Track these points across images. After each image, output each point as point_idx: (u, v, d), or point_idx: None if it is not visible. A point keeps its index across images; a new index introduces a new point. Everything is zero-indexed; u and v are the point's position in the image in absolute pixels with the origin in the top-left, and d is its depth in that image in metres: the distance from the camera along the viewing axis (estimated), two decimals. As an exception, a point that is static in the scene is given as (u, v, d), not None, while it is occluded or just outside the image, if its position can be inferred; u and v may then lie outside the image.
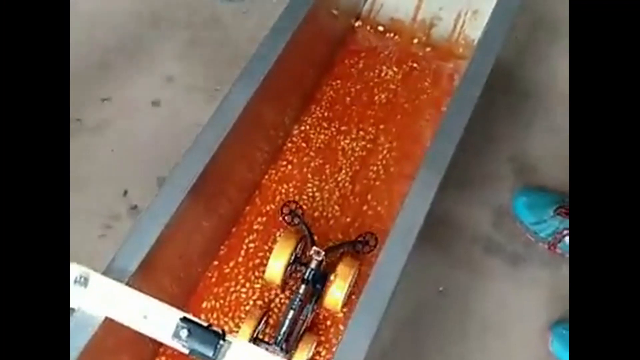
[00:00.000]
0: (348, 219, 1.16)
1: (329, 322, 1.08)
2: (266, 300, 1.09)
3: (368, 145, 1.25)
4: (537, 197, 1.25)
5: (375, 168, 1.22)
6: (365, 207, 1.17)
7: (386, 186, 1.20)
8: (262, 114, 1.16)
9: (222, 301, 1.08)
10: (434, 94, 1.31)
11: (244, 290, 1.08)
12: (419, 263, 0.90)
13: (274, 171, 1.22)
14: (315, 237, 1.08)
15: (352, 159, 1.23)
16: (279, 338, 0.98)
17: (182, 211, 0.96)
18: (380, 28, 1.38)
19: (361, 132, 1.26)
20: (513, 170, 1.32)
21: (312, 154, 1.23)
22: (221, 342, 0.71)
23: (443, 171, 0.99)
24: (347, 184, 1.20)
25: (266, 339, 1.01)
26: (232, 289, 1.09)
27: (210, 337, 0.71)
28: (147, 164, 1.29)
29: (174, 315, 0.77)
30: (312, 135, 1.25)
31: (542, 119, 1.37)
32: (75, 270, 0.82)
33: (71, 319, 0.81)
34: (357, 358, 0.83)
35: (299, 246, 1.05)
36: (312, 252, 1.03)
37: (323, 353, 1.05)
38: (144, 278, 0.92)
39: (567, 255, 1.21)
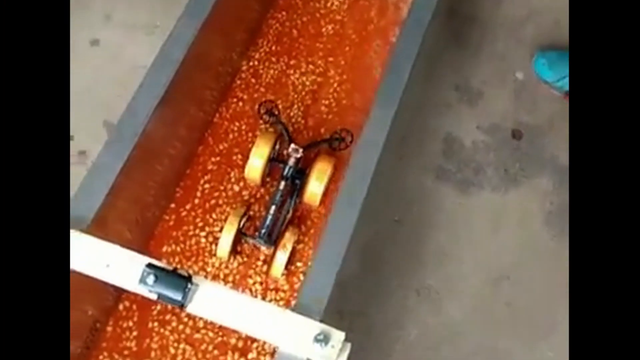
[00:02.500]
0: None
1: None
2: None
3: (318, 79, 1.24)
4: (555, 57, 1.33)
5: (327, 102, 1.22)
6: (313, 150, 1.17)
7: (339, 119, 1.20)
8: (209, 51, 1.12)
9: (182, 245, 1.07)
10: (380, 24, 1.29)
11: (203, 234, 1.08)
12: (372, 195, 0.92)
13: (224, 109, 1.20)
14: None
15: (303, 93, 1.22)
16: (263, 231, 1.03)
17: (133, 157, 0.94)
18: (324, -43, 1.34)
19: (311, 66, 1.25)
20: (459, 97, 1.34)
21: (262, 89, 1.22)
22: (189, 285, 0.72)
23: (397, 103, 1.01)
24: (299, 119, 1.20)
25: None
26: (190, 233, 1.08)
27: (177, 282, 0.71)
28: (91, 108, 1.25)
29: (139, 261, 0.76)
30: (261, 71, 1.23)
31: (487, 44, 1.39)
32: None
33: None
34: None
35: (276, 145, 1.09)
36: (290, 149, 1.07)
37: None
38: (101, 226, 0.91)
39: None
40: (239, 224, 1.04)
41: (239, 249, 1.08)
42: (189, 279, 0.75)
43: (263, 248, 1.07)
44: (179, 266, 1.05)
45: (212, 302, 0.77)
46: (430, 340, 1.11)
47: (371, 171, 0.95)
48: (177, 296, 0.71)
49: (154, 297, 0.74)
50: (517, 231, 1.22)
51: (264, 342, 1.00)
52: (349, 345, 0.78)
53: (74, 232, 0.80)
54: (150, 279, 0.71)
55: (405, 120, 1.25)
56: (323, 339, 0.76)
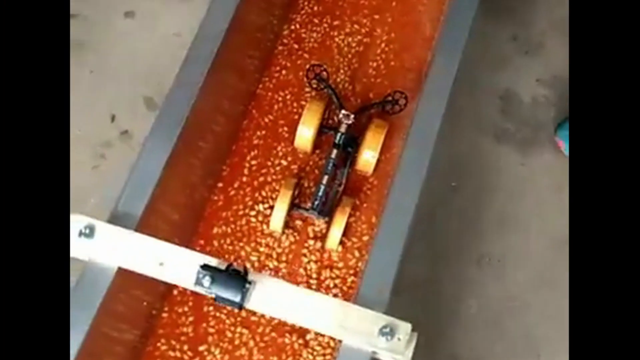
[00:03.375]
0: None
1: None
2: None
3: (364, 40, 1.16)
4: None
5: (374, 64, 1.14)
6: (364, 115, 1.11)
7: (389, 82, 1.13)
8: (248, 17, 1.06)
9: (232, 226, 1.04)
10: (428, -26, 1.20)
11: (253, 213, 1.04)
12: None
13: (267, 79, 1.14)
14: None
15: (350, 56, 1.15)
16: (316, 203, 0.99)
17: (179, 141, 0.91)
18: None
19: (355, 26, 1.17)
20: (517, 48, 1.25)
21: (305, 55, 1.15)
22: (247, 285, 0.68)
23: (457, 61, 0.95)
24: (346, 85, 1.13)
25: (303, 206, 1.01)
26: (240, 212, 1.05)
27: (234, 282, 0.68)
28: (130, 83, 1.21)
29: (192, 260, 0.73)
30: (303, 35, 1.16)
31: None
32: (78, 221, 0.77)
33: (84, 272, 0.78)
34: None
35: (326, 111, 1.04)
36: (341, 115, 1.02)
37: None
38: (152, 217, 0.88)
39: None
40: (292, 196, 1.00)
41: (290, 224, 1.04)
42: (245, 275, 0.72)
43: (316, 221, 1.03)
44: (230, 248, 1.04)
45: (272, 298, 0.74)
46: (491, 312, 1.07)
47: (433, 140, 0.90)
48: (236, 297, 0.68)
49: (211, 295, 0.71)
50: (582, 191, 1.15)
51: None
52: (415, 335, 0.74)
53: (125, 231, 0.78)
54: (207, 281, 0.68)
55: (458, 77, 1.18)
56: (389, 332, 0.72)
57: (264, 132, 1.10)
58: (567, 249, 1.11)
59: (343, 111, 1.02)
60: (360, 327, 0.73)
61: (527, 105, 1.20)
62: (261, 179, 1.07)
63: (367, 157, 1.02)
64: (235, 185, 1.07)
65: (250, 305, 0.73)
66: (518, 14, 1.26)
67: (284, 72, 1.14)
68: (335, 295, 1.00)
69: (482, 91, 1.21)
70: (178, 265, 0.73)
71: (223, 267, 0.73)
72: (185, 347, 0.98)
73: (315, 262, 1.03)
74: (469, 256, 1.10)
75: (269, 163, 1.08)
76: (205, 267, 0.69)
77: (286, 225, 1.03)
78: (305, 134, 1.03)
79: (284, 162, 1.08)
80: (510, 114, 1.19)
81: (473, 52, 1.21)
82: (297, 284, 1.01)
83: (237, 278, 0.68)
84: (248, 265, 1.02)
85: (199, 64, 0.93)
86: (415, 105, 0.97)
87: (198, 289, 0.70)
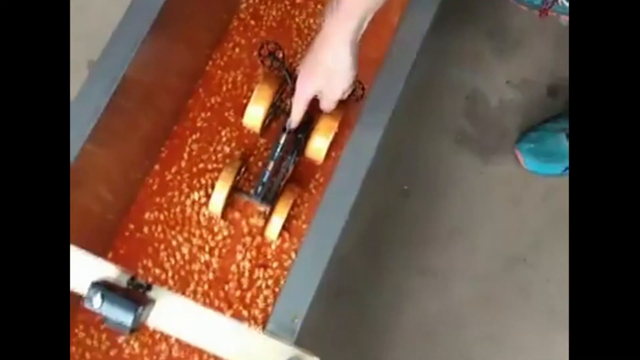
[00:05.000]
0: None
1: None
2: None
3: (328, 22, 1.08)
4: None
5: (336, 50, 1.06)
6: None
7: (348, 72, 1.05)
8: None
9: (166, 213, 0.98)
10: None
11: (188, 202, 0.98)
12: (378, 159, 0.81)
13: (219, 55, 1.06)
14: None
15: (309, 39, 1.07)
16: (260, 188, 0.94)
17: (115, 106, 0.84)
18: None
19: (319, 6, 1.08)
20: (492, 46, 1.16)
21: (262, 33, 1.07)
22: (139, 309, 0.63)
23: (413, 58, 0.88)
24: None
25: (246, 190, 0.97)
26: (175, 200, 0.99)
27: (126, 304, 0.62)
28: (72, 43, 1.12)
29: (91, 269, 0.67)
30: (262, 11, 1.08)
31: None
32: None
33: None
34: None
35: (279, 92, 0.97)
36: (293, 99, 0.94)
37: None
38: (76, 186, 0.82)
39: (563, 17, 1.12)
40: (235, 179, 0.94)
41: (229, 215, 0.98)
42: (147, 291, 0.66)
43: (255, 218, 0.98)
44: (162, 235, 0.98)
45: (175, 317, 0.68)
46: (430, 326, 1.03)
47: (375, 145, 0.84)
48: (127, 321, 0.62)
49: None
50: (540, 208, 1.09)
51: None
52: (325, 369, 0.69)
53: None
54: (97, 300, 0.62)
55: (424, 70, 1.10)
56: (295, 365, 0.67)
57: (209, 114, 1.03)
58: (516, 268, 1.06)
59: None
60: (266, 357, 0.68)
61: (493, 109, 1.13)
62: (201, 165, 1.01)
63: (318, 144, 0.96)
64: (173, 170, 1.00)
65: (150, 323, 0.68)
66: (499, 9, 1.17)
67: (237, 50, 1.06)
68: (266, 298, 0.96)
69: (449, 89, 1.14)
70: (76, 273, 0.67)
71: (124, 279, 0.67)
72: (104, 337, 0.94)
73: (250, 260, 0.97)
74: (413, 266, 1.05)
75: (211, 149, 1.01)
76: (96, 284, 0.63)
77: (224, 214, 0.97)
78: (255, 112, 0.95)
79: (227, 149, 1.01)
80: (475, 117, 1.12)
81: (446, 45, 1.14)
82: (227, 281, 0.97)
83: (130, 300, 0.62)
84: (178, 256, 0.97)
85: (140, 22, 0.85)
86: (367, 97, 0.90)
87: (88, 307, 0.64)
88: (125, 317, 0.62)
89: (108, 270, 0.68)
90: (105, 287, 0.63)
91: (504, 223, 1.08)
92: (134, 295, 0.65)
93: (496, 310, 1.04)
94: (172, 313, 0.68)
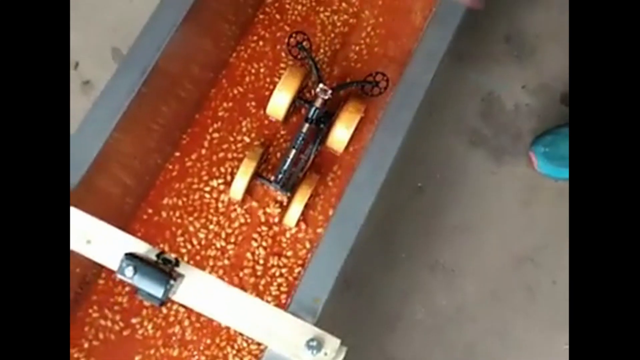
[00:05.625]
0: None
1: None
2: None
3: (351, 20, 1.10)
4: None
5: (357, 48, 1.09)
6: (342, 92, 1.06)
7: (368, 69, 1.07)
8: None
9: (184, 199, 1.00)
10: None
11: (207, 189, 1.00)
12: (397, 158, 0.83)
13: (243, 47, 1.08)
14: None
15: (332, 35, 1.09)
16: (280, 176, 0.96)
17: (140, 95, 0.86)
18: None
19: (344, 4, 1.11)
20: (509, 50, 1.19)
21: (286, 27, 1.09)
22: (171, 282, 0.65)
23: (439, 59, 0.90)
24: (324, 66, 1.08)
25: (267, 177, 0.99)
26: (194, 186, 1.01)
27: (158, 276, 0.64)
28: (98, 31, 1.14)
29: (121, 244, 0.69)
30: (287, 6, 1.10)
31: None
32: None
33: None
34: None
35: (304, 82, 1.00)
36: (318, 89, 0.97)
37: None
38: (98, 171, 0.84)
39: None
40: (257, 165, 0.96)
41: (246, 203, 1.00)
42: (175, 266, 0.68)
43: (272, 207, 1.00)
44: (179, 221, 1.00)
45: (201, 294, 0.70)
46: (437, 320, 1.05)
47: (400, 139, 0.87)
48: (158, 293, 0.64)
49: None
50: (550, 210, 1.11)
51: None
52: (344, 350, 0.71)
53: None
54: (129, 271, 0.64)
55: (441, 71, 1.12)
56: (316, 346, 0.69)
57: (230, 104, 1.05)
58: (523, 267, 1.09)
59: (321, 85, 0.97)
60: (288, 337, 0.70)
61: (508, 112, 1.15)
62: (221, 154, 1.03)
63: (340, 135, 0.98)
64: (193, 156, 1.02)
65: (177, 297, 0.70)
66: (516, 14, 1.20)
67: (261, 42, 1.08)
68: (279, 285, 0.98)
69: (465, 90, 1.16)
70: (105, 247, 0.70)
71: (153, 255, 0.69)
72: (118, 317, 0.96)
73: (265, 248, 0.99)
74: (423, 260, 1.07)
75: (232, 138, 1.03)
76: (129, 255, 0.65)
77: (243, 201, 0.99)
78: (280, 101, 0.98)
79: (247, 140, 1.03)
80: (490, 119, 1.15)
81: (463, 47, 1.16)
82: (242, 268, 0.98)
83: (162, 272, 0.64)
84: (194, 241, 0.99)
85: (172, 15, 0.88)
86: (392, 96, 0.93)
87: (120, 277, 0.66)
88: (156, 289, 0.64)
89: (137, 246, 0.70)
90: (137, 259, 0.65)
91: (514, 223, 1.10)
92: (164, 269, 0.66)
93: (502, 307, 1.06)
94: (198, 289, 0.70)
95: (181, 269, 0.70)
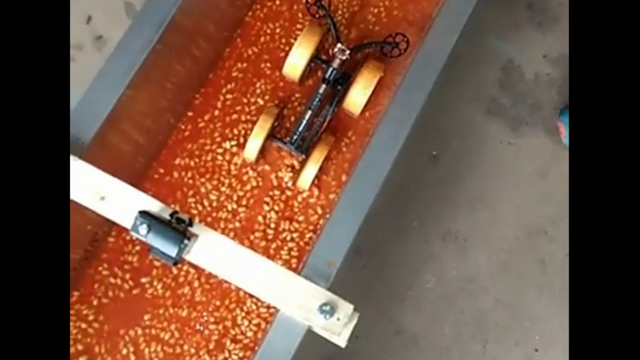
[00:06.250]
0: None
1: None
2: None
3: (370, -19, 1.07)
4: None
5: (376, 10, 1.06)
6: (359, 55, 1.04)
7: (386, 32, 1.04)
8: None
9: (197, 160, 0.99)
10: None
11: (220, 150, 0.99)
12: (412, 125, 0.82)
13: (259, 6, 1.05)
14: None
15: (350, -3, 1.06)
16: (295, 137, 0.95)
17: (154, 51, 0.85)
18: None
19: (363, -34, 1.08)
20: (531, 18, 1.16)
21: (304, -13, 1.06)
22: (185, 241, 0.64)
23: (463, 23, 0.89)
24: (341, 28, 1.05)
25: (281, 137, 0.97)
26: (207, 147, 0.99)
27: (173, 235, 0.63)
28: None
29: (135, 201, 0.68)
30: (305, -35, 1.07)
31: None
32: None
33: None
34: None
35: (322, 41, 0.97)
36: (336, 49, 0.95)
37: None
38: (110, 128, 0.83)
39: None
40: (272, 126, 0.95)
41: (259, 167, 0.99)
42: (189, 226, 0.67)
43: (283, 171, 0.98)
44: (191, 182, 0.98)
45: (214, 254, 0.69)
46: (447, 290, 1.04)
47: (419, 106, 0.85)
48: (172, 252, 0.63)
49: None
50: (565, 183, 1.09)
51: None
52: (356, 316, 0.71)
53: (71, 158, 0.72)
54: (144, 229, 0.63)
55: (460, 36, 1.09)
56: (329, 310, 0.69)
57: (245, 64, 1.03)
58: (536, 240, 1.07)
59: (339, 45, 0.95)
60: (301, 301, 0.69)
61: (528, 82, 1.13)
62: (234, 116, 1.01)
63: (357, 96, 0.96)
64: (206, 117, 1.01)
65: (190, 257, 0.69)
66: (540, -20, 1.16)
67: (277, 2, 1.06)
68: (290, 250, 0.97)
69: (485, 58, 1.13)
70: (119, 204, 0.69)
71: (167, 214, 0.68)
72: (127, 276, 0.95)
73: (277, 212, 0.98)
74: (435, 230, 1.06)
75: (245, 100, 1.01)
76: (143, 213, 0.64)
77: (256, 163, 0.98)
78: (297, 59, 0.96)
79: (261, 102, 1.01)
80: (509, 88, 1.12)
81: (484, 13, 1.13)
82: (253, 231, 0.98)
83: (177, 232, 0.63)
84: (206, 203, 0.98)
85: None
86: (411, 61, 0.91)
87: (134, 235, 0.65)
88: (170, 248, 0.63)
89: (151, 204, 0.69)
90: (151, 217, 0.64)
91: (529, 195, 1.08)
92: (177, 228, 0.65)
93: (513, 279, 1.06)
94: (212, 250, 0.69)
95: (195, 229, 0.69)
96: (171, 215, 0.68)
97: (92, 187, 0.70)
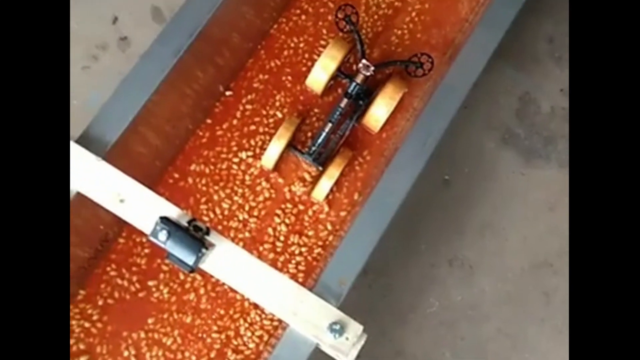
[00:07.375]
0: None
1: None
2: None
3: (396, 3, 1.08)
4: None
5: (399, 32, 1.07)
6: (380, 75, 1.05)
7: (408, 55, 1.05)
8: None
9: (212, 167, 0.99)
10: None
11: (236, 160, 0.99)
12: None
13: (284, 20, 1.06)
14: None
15: (376, 17, 1.08)
16: (313, 149, 0.96)
17: (180, 59, 0.85)
18: None
19: (390, -14, 1.09)
20: (550, 52, 1.17)
21: (330, 4, 1.07)
22: (203, 250, 0.64)
23: (491, 52, 0.90)
24: (365, 47, 1.06)
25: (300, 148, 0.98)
26: (223, 155, 1.00)
27: (191, 244, 0.64)
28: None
29: (154, 206, 0.69)
30: (333, -18, 1.08)
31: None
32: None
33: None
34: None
35: (347, 56, 0.98)
36: (360, 64, 0.97)
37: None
38: (132, 131, 0.84)
39: None
40: (292, 136, 0.95)
41: (273, 180, 0.99)
42: (206, 234, 0.68)
43: (297, 185, 0.99)
44: (204, 189, 0.99)
45: (229, 265, 0.70)
46: (450, 315, 1.04)
47: (443, 129, 0.86)
48: (189, 260, 0.64)
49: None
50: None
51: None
52: (364, 337, 0.71)
53: (91, 156, 0.72)
54: (163, 235, 0.64)
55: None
56: (338, 329, 0.69)
57: (266, 76, 1.04)
58: (542, 272, 1.08)
59: (364, 61, 0.96)
60: (311, 318, 0.69)
61: (544, 114, 1.14)
62: (252, 127, 1.01)
63: (379, 111, 0.97)
64: (224, 126, 1.01)
65: (204, 266, 0.69)
66: (562, 15, 1.18)
67: (303, 17, 1.07)
68: (297, 264, 0.97)
69: (503, 88, 1.14)
70: (138, 208, 0.69)
71: (185, 220, 0.68)
72: (135, 279, 0.95)
73: (287, 225, 0.99)
74: (442, 254, 1.06)
75: (264, 112, 1.02)
76: (164, 219, 0.64)
77: (271, 174, 0.98)
78: (321, 72, 0.96)
79: (279, 115, 1.02)
80: (525, 119, 1.13)
81: (505, 44, 1.14)
82: (263, 243, 0.98)
83: (195, 240, 0.64)
84: (217, 211, 0.98)
85: None
86: (431, 84, 0.91)
87: (153, 240, 0.65)
88: (188, 257, 0.63)
89: (169, 210, 0.70)
90: (171, 224, 0.64)
91: (537, 226, 1.09)
92: (196, 236, 0.66)
93: (516, 309, 1.06)
94: (226, 260, 0.70)
95: (212, 237, 0.69)
96: (189, 222, 0.68)
97: (112, 189, 0.71)
